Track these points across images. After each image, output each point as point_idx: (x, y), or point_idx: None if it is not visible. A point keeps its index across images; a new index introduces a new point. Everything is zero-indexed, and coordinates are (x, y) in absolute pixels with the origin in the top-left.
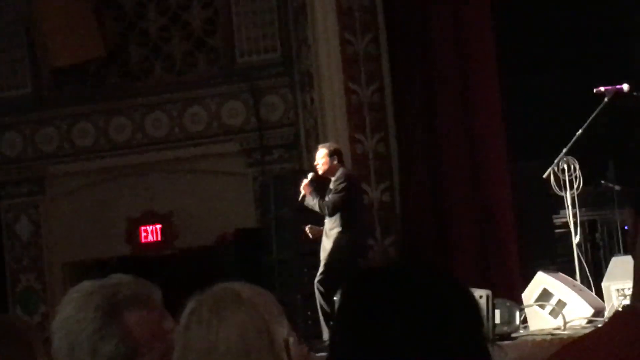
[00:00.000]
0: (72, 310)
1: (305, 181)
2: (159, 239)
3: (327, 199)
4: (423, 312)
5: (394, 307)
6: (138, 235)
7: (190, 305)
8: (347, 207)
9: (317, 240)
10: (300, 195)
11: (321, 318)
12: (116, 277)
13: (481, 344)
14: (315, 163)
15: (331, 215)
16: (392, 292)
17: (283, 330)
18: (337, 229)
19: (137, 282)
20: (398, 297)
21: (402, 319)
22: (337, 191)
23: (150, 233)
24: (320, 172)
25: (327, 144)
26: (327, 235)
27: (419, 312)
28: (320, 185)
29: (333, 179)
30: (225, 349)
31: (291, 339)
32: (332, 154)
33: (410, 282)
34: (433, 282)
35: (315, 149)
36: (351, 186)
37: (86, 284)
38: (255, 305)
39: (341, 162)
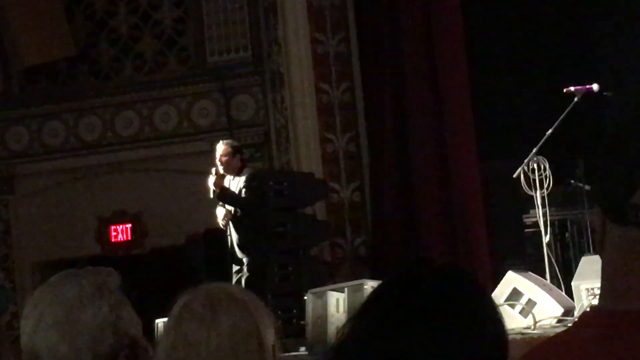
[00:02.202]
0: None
1: (214, 178)
2: (129, 238)
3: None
4: (458, 324)
5: (431, 312)
6: (108, 234)
7: (183, 299)
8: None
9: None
10: (212, 192)
11: None
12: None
13: None
14: (218, 160)
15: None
16: (434, 297)
17: (272, 335)
18: None
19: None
20: (440, 303)
21: (434, 326)
22: (251, 189)
23: (121, 232)
24: (222, 170)
25: (229, 141)
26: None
27: (454, 323)
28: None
29: (243, 177)
30: (216, 346)
31: (276, 345)
32: (236, 152)
33: (454, 291)
34: (474, 297)
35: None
36: (262, 185)
37: (58, 280)
38: (247, 307)
39: (243, 160)
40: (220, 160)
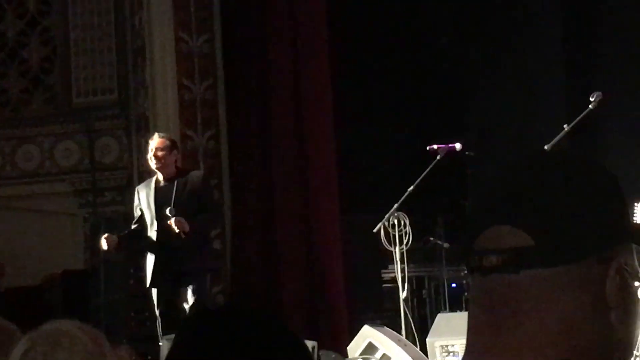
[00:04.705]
0: None
1: (176, 220)
2: None
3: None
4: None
5: (225, 352)
6: None
7: (23, 344)
8: None
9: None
10: (179, 232)
11: None
12: None
13: None
14: (152, 154)
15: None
16: (224, 337)
17: None
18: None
19: None
20: (230, 342)
21: None
22: (211, 193)
23: None
24: (154, 166)
25: (166, 134)
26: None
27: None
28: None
29: (194, 177)
30: None
31: None
32: (173, 147)
33: (243, 327)
34: (266, 328)
35: None
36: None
37: None
38: (87, 348)
39: (177, 161)
40: (155, 155)
